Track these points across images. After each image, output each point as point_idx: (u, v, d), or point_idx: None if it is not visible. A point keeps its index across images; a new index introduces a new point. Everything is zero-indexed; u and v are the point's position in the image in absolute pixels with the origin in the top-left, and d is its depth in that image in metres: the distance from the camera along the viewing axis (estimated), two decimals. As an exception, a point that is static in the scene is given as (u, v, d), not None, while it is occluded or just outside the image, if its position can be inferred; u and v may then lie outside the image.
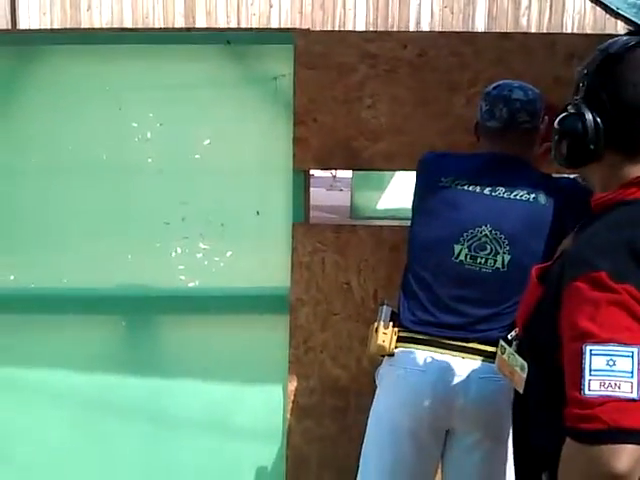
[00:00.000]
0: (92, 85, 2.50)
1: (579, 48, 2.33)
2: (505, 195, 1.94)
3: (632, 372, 0.98)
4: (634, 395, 0.97)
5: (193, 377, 2.54)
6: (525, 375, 1.34)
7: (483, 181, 1.96)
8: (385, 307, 2.05)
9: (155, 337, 2.58)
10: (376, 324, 2.01)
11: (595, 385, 0.99)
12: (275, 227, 2.52)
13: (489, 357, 1.87)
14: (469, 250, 1.92)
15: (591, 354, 1.00)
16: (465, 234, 1.93)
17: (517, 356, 1.42)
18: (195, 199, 2.53)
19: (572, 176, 2.15)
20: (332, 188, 13.97)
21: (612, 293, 1.02)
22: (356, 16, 4.46)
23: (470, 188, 1.96)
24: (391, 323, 2.00)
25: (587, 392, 1.00)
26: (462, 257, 1.93)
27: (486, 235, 1.91)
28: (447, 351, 1.92)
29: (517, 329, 1.42)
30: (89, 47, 2.49)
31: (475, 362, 1.91)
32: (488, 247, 1.91)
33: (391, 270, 2.47)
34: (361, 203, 11.84)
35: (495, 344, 1.85)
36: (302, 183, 2.51)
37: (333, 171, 16.74)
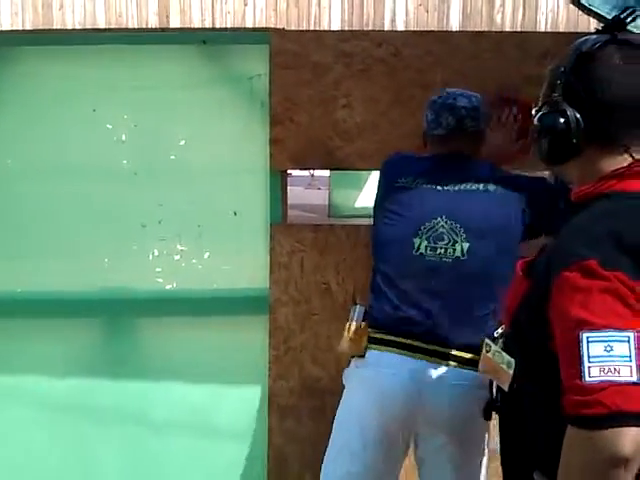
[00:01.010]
0: (65, 86, 2.47)
1: (551, 47, 2.36)
2: (456, 188, 2.00)
3: (630, 356, 0.99)
4: (634, 378, 0.98)
5: (173, 379, 2.53)
6: (512, 372, 1.35)
7: (436, 178, 2.02)
8: (357, 306, 2.06)
9: (134, 339, 2.56)
10: (348, 324, 2.02)
11: (595, 371, 1.00)
12: (253, 228, 2.52)
13: (461, 363, 1.91)
14: (428, 242, 1.96)
15: (588, 341, 1.01)
16: (422, 227, 1.97)
17: (504, 353, 1.43)
18: (171, 201, 2.51)
19: (539, 174, 2.17)
20: (310, 187, 13.97)
21: (603, 280, 1.03)
22: (331, 14, 4.46)
23: (426, 186, 2.02)
24: (363, 323, 2.01)
25: (587, 379, 1.00)
26: (422, 249, 1.96)
27: (442, 226, 1.96)
28: (418, 354, 1.93)
29: (503, 326, 1.43)
30: (62, 48, 2.47)
31: (447, 367, 1.92)
32: (446, 237, 1.95)
33: (369, 269, 2.47)
34: (339, 202, 11.88)
35: (469, 349, 1.90)
36: (279, 183, 2.51)
37: (311, 170, 16.83)
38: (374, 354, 1.97)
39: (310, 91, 2.45)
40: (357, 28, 3.41)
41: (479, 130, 2.09)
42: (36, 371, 2.52)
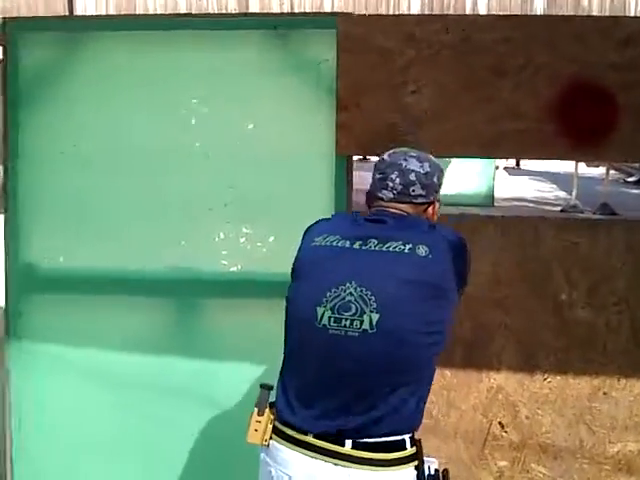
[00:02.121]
0: (142, 71, 2.52)
1: (636, 32, 2.23)
2: (377, 248, 1.72)
3: None
4: None
5: (237, 360, 2.55)
6: None
7: (355, 235, 1.76)
8: (262, 390, 1.83)
9: (198, 320, 2.59)
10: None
11: None
12: (317, 213, 2.48)
13: (363, 464, 1.66)
14: (332, 312, 1.67)
15: None
16: (328, 294, 1.69)
17: None
18: (238, 184, 2.52)
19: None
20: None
21: None
22: (410, -1, 4.38)
23: (339, 244, 1.76)
24: (267, 410, 1.78)
25: None
26: (325, 321, 1.67)
27: (351, 293, 1.67)
28: (317, 455, 1.68)
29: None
30: (141, 33, 2.51)
31: (348, 470, 1.66)
32: (353, 307, 1.66)
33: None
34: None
35: (371, 448, 1.65)
36: (344, 169, 2.48)
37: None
38: (274, 448, 1.75)
39: (377, 76, 2.40)
40: (437, 12, 3.33)
41: (426, 203, 1.87)
42: (103, 349, 2.59)
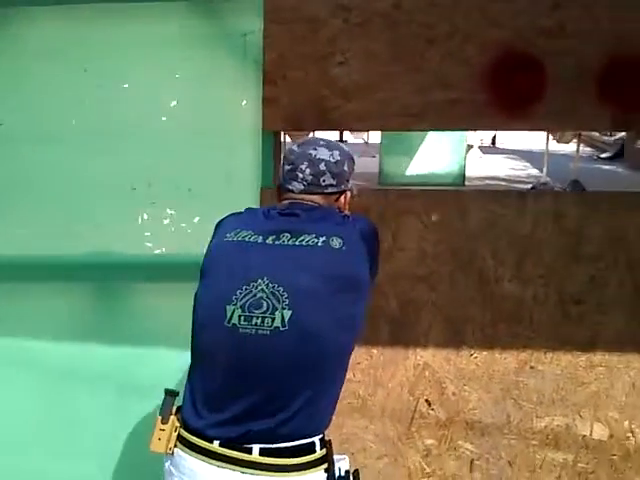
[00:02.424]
0: (56, 46, 2.44)
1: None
2: (290, 242, 1.68)
3: None
4: None
5: (161, 345, 2.50)
6: None
7: (268, 229, 1.73)
8: (166, 397, 1.76)
9: (122, 305, 2.53)
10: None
11: None
12: (244, 191, 2.44)
13: (272, 470, 1.60)
14: (243, 310, 1.61)
15: None
16: (239, 292, 1.63)
17: None
18: (162, 163, 2.47)
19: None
20: (364, 154, 13.85)
21: None
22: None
23: (252, 239, 1.71)
24: (172, 417, 1.71)
25: None
26: (235, 320, 1.62)
27: (262, 290, 1.62)
28: (223, 464, 1.61)
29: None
30: (51, 7, 2.42)
31: (256, 477, 1.61)
32: (264, 304, 1.61)
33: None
34: (389, 169, 11.77)
35: (280, 454, 1.59)
36: (272, 145, 2.43)
37: (365, 137, 16.64)
38: (179, 457, 1.68)
39: (305, 48, 2.34)
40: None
41: (338, 192, 1.84)
42: (23, 335, 2.54)
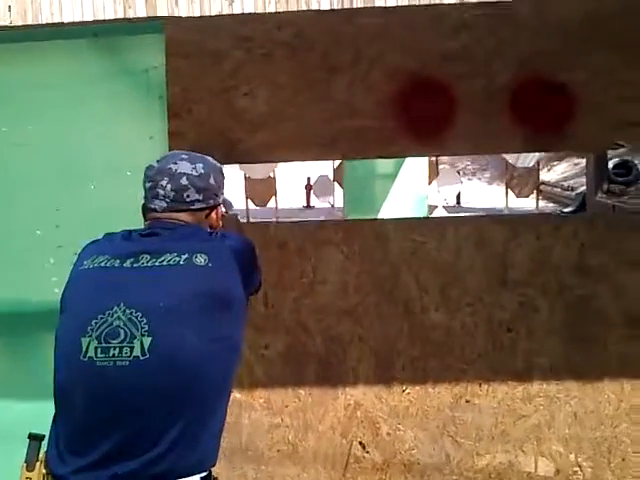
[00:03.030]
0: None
1: (469, 19, 2.16)
2: (149, 263, 1.52)
3: None
4: None
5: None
6: None
7: (126, 252, 1.56)
8: (30, 442, 1.58)
9: (30, 355, 2.36)
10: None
11: None
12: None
13: None
14: (99, 341, 1.45)
15: None
16: (94, 322, 1.47)
17: None
18: (69, 205, 2.34)
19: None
20: (329, 216, 13.87)
21: None
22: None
23: (108, 264, 1.54)
24: (39, 463, 1.53)
25: None
26: (91, 352, 1.45)
27: (119, 317, 1.46)
28: None
29: None
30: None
31: None
32: (122, 332, 1.45)
33: (281, 269, 2.27)
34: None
35: None
36: (182, 180, 2.32)
37: (331, 200, 16.68)
38: None
39: (209, 80, 2.28)
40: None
41: (206, 208, 1.67)
42: None
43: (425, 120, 2.22)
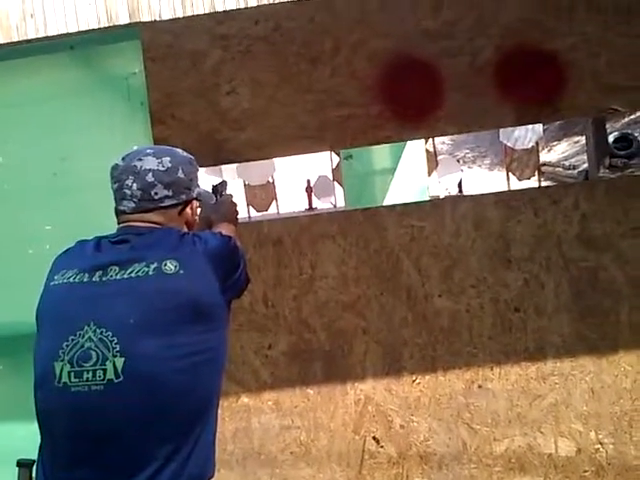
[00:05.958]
0: None
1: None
2: (118, 276, 1.43)
3: None
4: None
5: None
6: None
7: (95, 264, 1.47)
8: (20, 469, 1.53)
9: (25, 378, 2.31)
10: None
11: None
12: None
13: None
14: (71, 365, 1.37)
15: None
16: (65, 344, 1.38)
17: None
18: (59, 222, 2.30)
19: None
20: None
21: None
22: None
23: (76, 279, 1.45)
24: None
25: None
26: (65, 378, 1.37)
27: (90, 338, 1.38)
28: None
29: None
30: None
31: None
32: (94, 354, 1.36)
33: (278, 267, 2.22)
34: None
35: None
36: (170, 187, 2.27)
37: (332, 200, 16.66)
38: None
39: (189, 82, 2.23)
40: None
41: (178, 204, 1.57)
42: None
43: (412, 103, 2.17)
